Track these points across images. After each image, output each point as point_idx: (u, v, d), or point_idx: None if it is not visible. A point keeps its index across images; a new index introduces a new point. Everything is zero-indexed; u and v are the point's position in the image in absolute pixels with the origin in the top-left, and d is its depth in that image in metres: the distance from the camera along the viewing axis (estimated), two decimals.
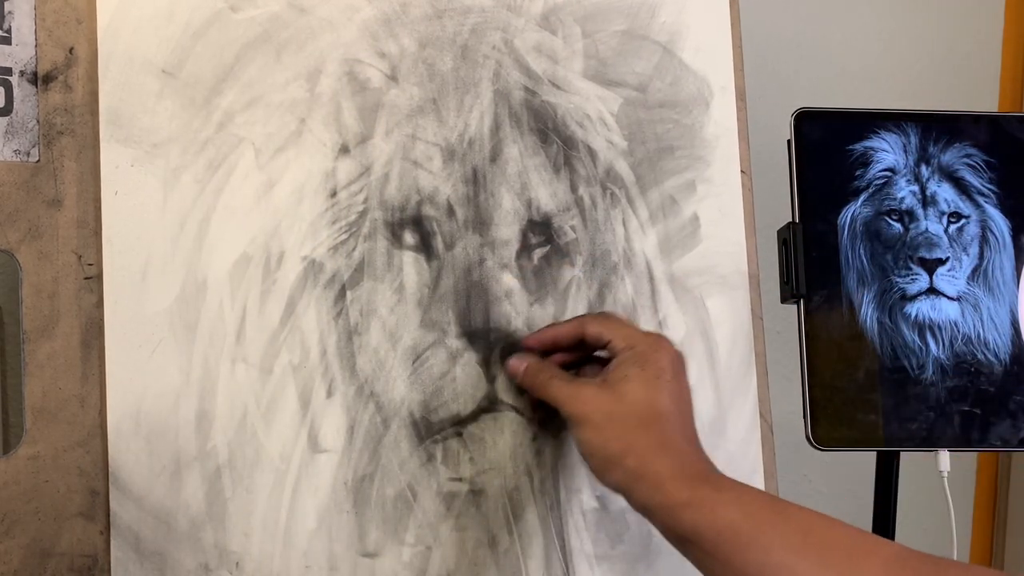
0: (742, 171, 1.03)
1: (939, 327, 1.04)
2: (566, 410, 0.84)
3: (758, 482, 1.00)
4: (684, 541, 0.76)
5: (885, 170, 1.05)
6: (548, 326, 0.94)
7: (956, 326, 1.04)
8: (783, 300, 1.05)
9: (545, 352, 0.92)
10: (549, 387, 0.87)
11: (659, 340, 0.86)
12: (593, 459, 0.82)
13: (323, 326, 0.90)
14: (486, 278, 0.94)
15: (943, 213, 1.05)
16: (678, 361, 0.85)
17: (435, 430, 0.92)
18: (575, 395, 0.84)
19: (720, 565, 0.73)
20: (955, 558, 1.06)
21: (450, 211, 0.94)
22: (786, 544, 0.72)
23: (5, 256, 0.84)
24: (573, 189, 0.98)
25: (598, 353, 0.91)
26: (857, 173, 1.05)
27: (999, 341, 1.04)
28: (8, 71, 0.84)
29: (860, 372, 1.03)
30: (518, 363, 0.91)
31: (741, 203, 1.03)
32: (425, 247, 0.93)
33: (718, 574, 0.74)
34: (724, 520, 0.73)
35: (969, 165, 1.06)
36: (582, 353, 0.92)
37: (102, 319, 0.85)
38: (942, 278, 1.04)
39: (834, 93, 1.43)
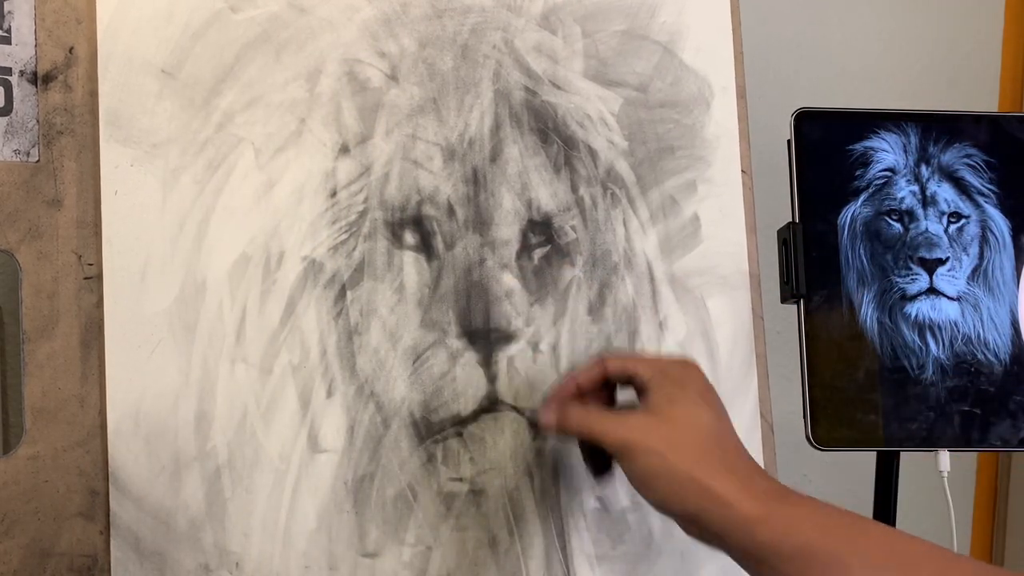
0: (743, 171, 1.03)
1: (939, 327, 1.04)
2: (616, 441, 0.79)
3: None
4: (759, 561, 0.73)
5: (885, 170, 1.05)
6: (566, 375, 0.90)
7: (956, 326, 1.04)
8: (783, 300, 1.05)
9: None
10: (590, 423, 0.82)
11: (686, 361, 0.85)
12: (657, 488, 0.77)
13: (323, 326, 0.90)
14: (486, 278, 0.94)
15: (943, 213, 1.05)
16: (709, 383, 0.83)
17: (435, 430, 0.92)
18: (622, 425, 0.79)
19: None
20: None
21: (450, 211, 0.94)
22: (867, 563, 0.69)
23: (5, 256, 0.84)
24: (574, 189, 0.98)
25: (620, 394, 0.89)
26: (857, 173, 1.05)
27: (999, 341, 1.04)
28: (8, 71, 0.84)
29: (860, 372, 1.03)
30: (547, 414, 0.86)
31: (742, 203, 1.03)
32: (425, 247, 0.93)
33: None
34: (802, 537, 0.71)
35: (969, 165, 1.06)
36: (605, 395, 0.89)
37: (102, 319, 0.85)
38: (942, 278, 1.04)
39: (834, 93, 1.42)
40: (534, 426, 0.93)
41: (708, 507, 0.74)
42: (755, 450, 1.01)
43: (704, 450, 0.76)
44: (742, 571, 0.97)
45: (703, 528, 0.76)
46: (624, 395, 0.88)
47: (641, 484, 0.78)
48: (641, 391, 0.83)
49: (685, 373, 0.82)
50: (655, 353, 0.91)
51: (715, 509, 0.74)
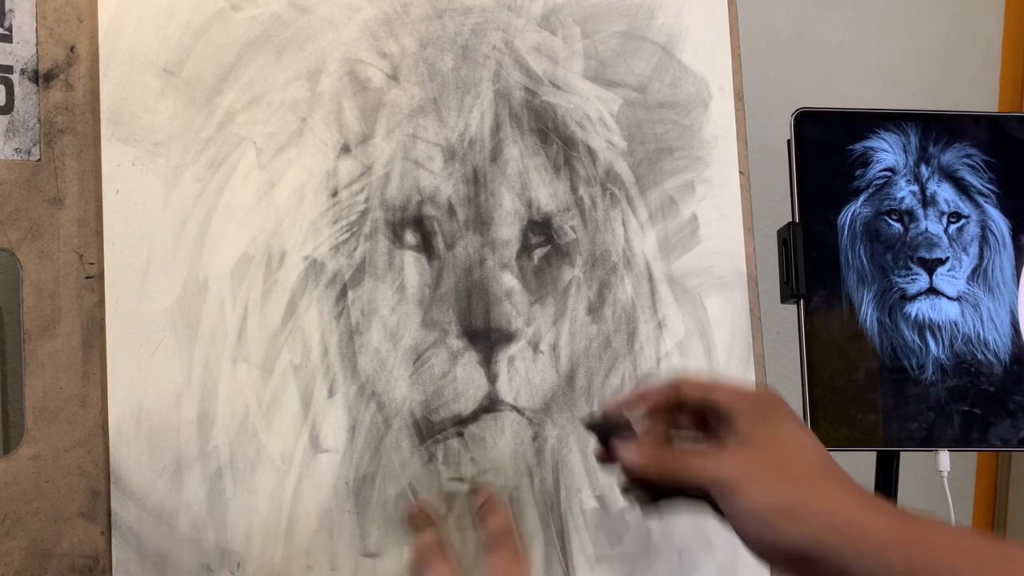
0: (740, 172, 1.03)
1: (939, 327, 1.04)
2: (716, 477, 0.71)
3: None
4: None
5: (885, 170, 1.05)
6: (633, 392, 0.82)
7: (956, 326, 1.04)
8: (783, 300, 1.05)
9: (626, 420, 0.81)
10: (684, 463, 0.74)
11: (771, 392, 0.77)
12: (766, 519, 0.69)
13: (324, 326, 0.90)
14: (487, 278, 0.94)
15: (943, 213, 1.05)
16: (792, 409, 0.76)
17: (436, 430, 0.92)
18: (721, 461, 0.72)
19: None
20: None
21: (451, 211, 0.94)
22: None
23: (6, 255, 0.83)
24: (573, 189, 0.98)
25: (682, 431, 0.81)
26: (857, 173, 1.05)
27: (999, 341, 1.04)
28: (9, 69, 0.84)
29: (860, 372, 1.03)
30: (628, 449, 0.78)
31: (739, 204, 1.03)
32: (426, 247, 0.93)
33: None
34: (943, 561, 0.64)
35: (969, 165, 1.06)
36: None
37: (103, 318, 0.85)
38: (942, 278, 1.04)
39: (834, 93, 1.43)
40: (601, 439, 0.82)
41: (828, 533, 0.67)
42: None
43: (816, 475, 0.70)
44: (738, 568, 0.98)
45: (825, 561, 0.67)
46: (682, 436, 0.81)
47: (747, 521, 0.70)
48: (723, 422, 0.75)
49: (772, 400, 0.76)
50: (731, 383, 0.81)
51: (836, 534, 0.66)
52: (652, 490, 0.78)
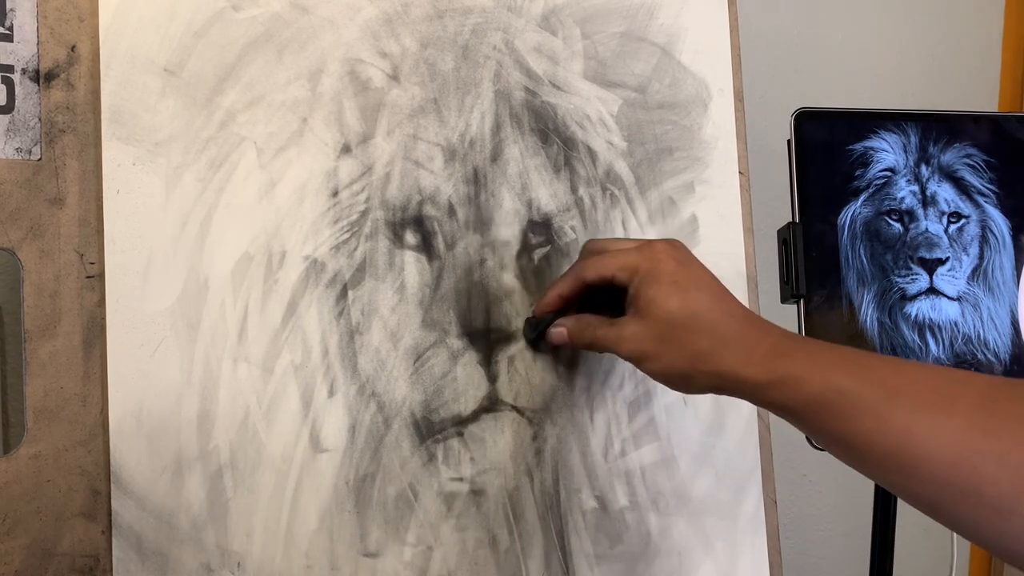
0: (740, 172, 1.04)
1: (939, 327, 1.04)
2: (621, 354, 0.85)
3: (756, 481, 1.00)
4: (785, 416, 0.77)
5: (885, 170, 1.05)
6: (549, 288, 0.93)
7: (956, 326, 1.04)
8: (783, 300, 1.05)
9: (558, 311, 0.93)
10: (597, 339, 0.88)
11: (653, 249, 0.86)
12: (670, 383, 0.84)
13: (325, 326, 0.90)
14: (487, 278, 0.95)
15: (943, 213, 1.05)
16: (678, 251, 0.86)
17: (436, 430, 0.92)
18: (621, 337, 0.85)
19: (817, 433, 0.76)
20: (955, 558, 1.06)
21: (451, 211, 0.94)
22: (873, 407, 0.71)
23: (6, 255, 0.83)
24: (573, 190, 0.98)
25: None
26: (857, 173, 1.05)
27: (999, 341, 1.05)
28: (10, 69, 0.84)
29: None
30: (559, 331, 0.92)
31: (739, 204, 1.03)
32: (426, 247, 0.93)
33: (819, 440, 0.77)
34: (808, 393, 0.74)
35: (969, 165, 1.07)
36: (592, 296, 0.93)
37: (104, 318, 0.85)
38: (942, 278, 1.04)
39: (834, 93, 1.43)
40: (530, 338, 0.96)
41: (720, 385, 0.80)
42: (752, 449, 1.01)
43: (695, 336, 0.81)
44: (738, 569, 0.98)
45: (729, 395, 0.81)
46: None
47: (659, 381, 0.85)
48: (623, 293, 0.87)
49: (655, 263, 0.84)
50: (620, 240, 0.92)
51: (727, 385, 0.79)
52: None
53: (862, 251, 1.04)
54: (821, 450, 1.01)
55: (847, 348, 0.77)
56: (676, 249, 0.86)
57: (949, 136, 1.07)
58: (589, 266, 0.89)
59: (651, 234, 1.00)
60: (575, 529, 0.95)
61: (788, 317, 1.06)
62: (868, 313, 1.03)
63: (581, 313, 0.92)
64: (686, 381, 0.82)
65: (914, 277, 1.04)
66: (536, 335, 0.95)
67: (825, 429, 0.74)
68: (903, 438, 0.69)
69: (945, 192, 1.06)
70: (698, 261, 0.86)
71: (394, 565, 0.90)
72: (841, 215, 1.04)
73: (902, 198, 1.05)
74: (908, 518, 1.11)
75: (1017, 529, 0.65)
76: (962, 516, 0.68)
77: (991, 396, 0.68)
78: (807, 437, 1.00)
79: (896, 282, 1.04)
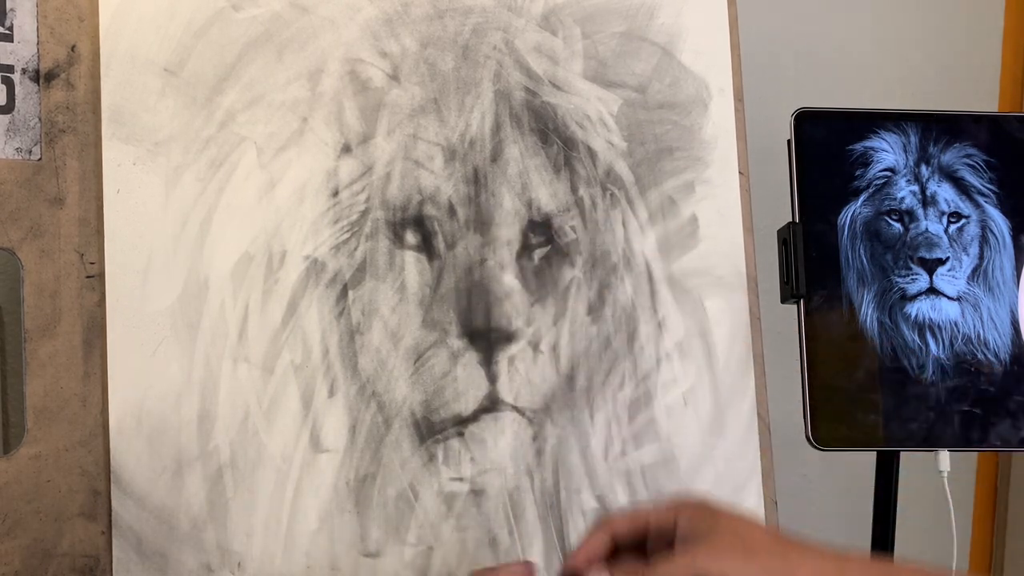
0: (740, 172, 1.03)
1: (939, 327, 1.04)
2: (700, 572, 0.72)
3: (755, 481, 1.00)
4: None
5: (885, 170, 1.05)
6: (567, 559, 0.80)
7: (956, 326, 1.04)
8: (783, 300, 1.05)
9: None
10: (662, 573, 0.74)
11: (690, 496, 0.82)
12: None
13: (325, 326, 0.90)
14: (487, 278, 0.94)
15: (943, 213, 1.05)
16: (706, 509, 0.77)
17: (436, 430, 0.92)
18: (695, 558, 0.72)
19: None
20: (955, 558, 1.06)
21: (451, 211, 0.94)
22: None
23: (6, 254, 0.83)
24: (573, 190, 0.98)
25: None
26: (857, 173, 1.05)
27: (999, 341, 1.04)
28: (10, 69, 0.84)
29: (860, 372, 1.03)
30: None
31: (739, 204, 1.03)
32: (426, 247, 0.93)
33: None
34: None
35: (969, 165, 1.06)
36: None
37: (104, 318, 0.85)
38: (942, 278, 1.04)
39: (834, 93, 1.43)
40: None
41: None
42: (753, 450, 1.01)
43: (785, 545, 0.73)
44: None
45: None
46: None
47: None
48: (669, 535, 0.76)
49: (702, 500, 0.77)
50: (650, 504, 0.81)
51: None
52: None
53: (862, 251, 1.04)
54: (823, 451, 1.01)
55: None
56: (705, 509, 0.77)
57: (949, 136, 1.07)
58: (619, 520, 0.78)
59: (650, 233, 1.00)
60: (575, 529, 0.95)
61: (788, 317, 1.06)
62: (868, 313, 1.03)
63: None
64: None
65: (914, 277, 1.04)
66: None
67: None
68: None
69: (945, 192, 1.06)
70: (727, 511, 0.77)
71: (394, 565, 0.90)
72: (841, 215, 1.04)
73: (902, 198, 1.05)
74: (908, 519, 1.11)
75: None
76: None
77: None
78: (807, 437, 1.01)
79: (896, 282, 1.04)
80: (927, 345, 1.03)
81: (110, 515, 0.84)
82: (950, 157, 1.06)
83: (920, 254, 1.04)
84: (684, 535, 0.74)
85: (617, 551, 0.78)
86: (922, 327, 1.04)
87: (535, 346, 0.95)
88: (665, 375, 0.97)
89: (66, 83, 0.86)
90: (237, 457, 0.87)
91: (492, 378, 0.94)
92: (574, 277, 0.97)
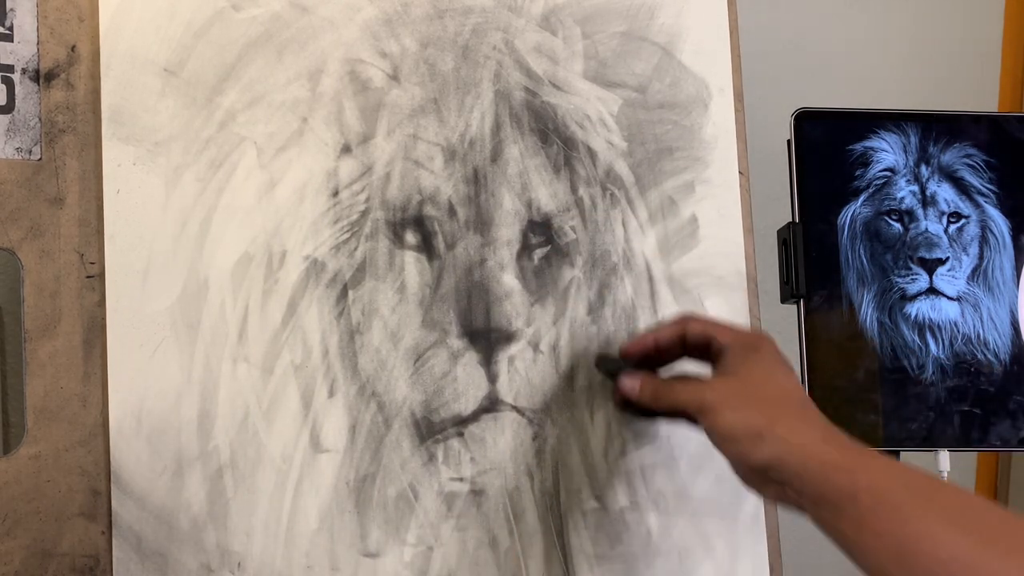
0: (740, 172, 1.03)
1: (939, 327, 1.04)
2: (699, 401, 0.83)
3: None
4: (837, 507, 0.74)
5: (885, 170, 1.05)
6: (647, 331, 0.94)
7: (956, 326, 1.04)
8: (783, 300, 1.05)
9: (642, 358, 0.93)
10: (674, 393, 0.86)
11: (761, 333, 0.89)
12: (737, 439, 0.80)
13: (325, 326, 0.90)
14: (487, 278, 0.94)
15: (943, 213, 1.05)
16: (781, 351, 0.86)
17: (436, 430, 0.92)
18: (702, 389, 0.84)
19: (872, 535, 0.72)
20: None
21: (451, 211, 0.94)
22: (945, 520, 0.70)
23: (6, 255, 0.83)
24: (573, 190, 0.98)
25: (686, 367, 0.92)
26: (857, 173, 1.05)
27: (999, 341, 1.04)
28: (10, 68, 0.84)
29: (860, 372, 1.03)
30: (632, 383, 0.90)
31: (739, 204, 1.03)
32: (426, 247, 0.93)
33: (866, 543, 0.72)
34: (881, 486, 0.72)
35: (969, 165, 1.06)
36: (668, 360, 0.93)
37: (104, 318, 0.85)
38: (942, 278, 1.04)
39: (834, 93, 1.43)
40: (611, 377, 0.94)
41: (787, 454, 0.77)
42: None
43: (781, 406, 0.80)
44: (738, 569, 0.98)
45: (784, 473, 0.77)
46: (688, 367, 0.92)
47: (722, 439, 0.81)
48: (717, 355, 0.87)
49: (760, 341, 0.86)
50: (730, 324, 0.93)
51: (794, 456, 0.76)
52: (650, 414, 0.92)
53: (862, 251, 1.04)
54: None
55: (920, 468, 0.76)
56: (779, 348, 0.86)
57: (949, 136, 1.07)
58: (696, 321, 0.90)
59: (650, 233, 1.00)
60: (575, 529, 0.95)
61: (788, 317, 1.06)
62: (868, 313, 1.03)
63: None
64: (755, 441, 0.78)
65: (914, 277, 1.04)
66: (609, 373, 0.95)
67: (885, 529, 0.71)
68: (971, 558, 0.68)
69: (945, 192, 1.06)
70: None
71: (394, 565, 0.90)
72: (841, 215, 1.04)
73: (902, 198, 1.05)
74: None
75: None
76: None
77: None
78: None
79: (896, 282, 1.04)
80: (927, 345, 1.03)
81: (110, 515, 0.84)
82: (950, 157, 1.06)
83: (920, 254, 1.04)
84: (725, 362, 0.85)
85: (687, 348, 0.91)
86: (922, 327, 1.04)
87: (535, 346, 0.95)
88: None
89: (66, 83, 0.86)
90: (237, 457, 0.87)
91: (492, 378, 0.94)
92: (574, 277, 0.97)
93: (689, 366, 0.92)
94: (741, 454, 0.80)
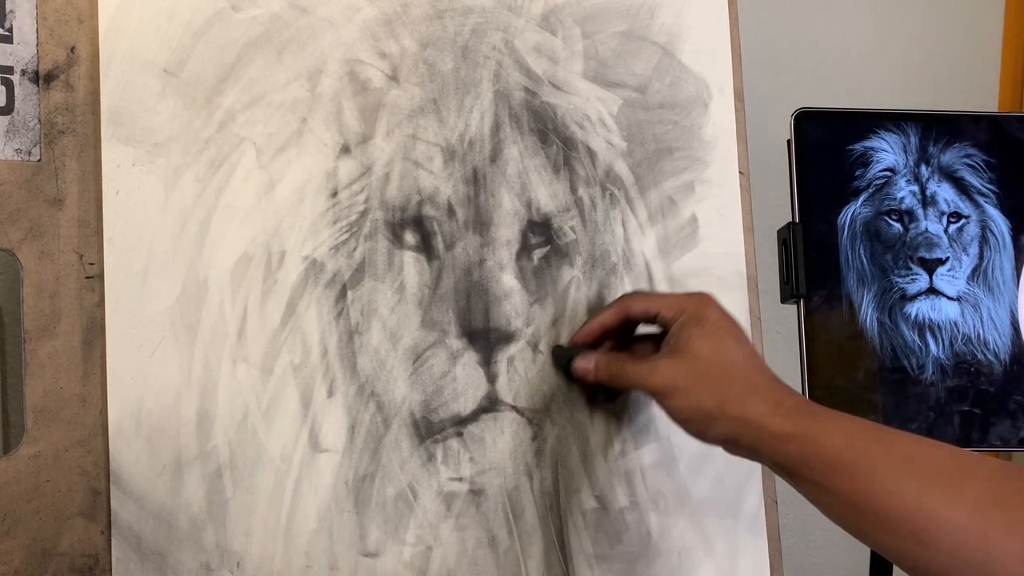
0: (740, 172, 1.03)
1: (939, 327, 1.04)
2: (649, 387, 0.87)
3: (755, 481, 1.00)
4: (793, 474, 0.79)
5: (885, 170, 1.05)
6: (591, 318, 0.95)
7: (956, 326, 1.04)
8: (783, 300, 1.05)
9: (594, 343, 0.94)
10: (626, 373, 0.89)
11: (703, 297, 0.89)
12: (692, 421, 0.85)
13: (324, 326, 0.90)
14: (486, 278, 0.95)
15: (943, 213, 1.05)
16: (726, 312, 0.88)
17: (435, 430, 0.92)
18: (652, 371, 0.86)
19: (828, 494, 0.76)
20: None
21: (450, 211, 0.94)
22: (890, 471, 0.73)
23: (6, 255, 0.83)
24: (573, 190, 0.98)
25: (645, 329, 0.94)
26: (857, 173, 1.05)
27: (999, 341, 1.04)
28: (10, 70, 0.84)
29: (860, 372, 1.03)
30: (585, 363, 0.93)
31: (739, 204, 1.03)
32: (426, 247, 0.93)
33: (826, 502, 0.77)
34: (829, 450, 0.76)
35: (969, 165, 1.06)
36: (625, 336, 0.95)
37: (103, 318, 0.85)
38: (942, 278, 1.04)
39: (834, 93, 1.43)
40: (562, 365, 0.96)
41: (741, 432, 0.81)
42: None
43: (729, 381, 0.83)
44: (738, 569, 0.98)
45: (741, 447, 0.83)
46: (644, 329, 0.94)
47: (679, 421, 0.86)
48: (664, 330, 0.89)
49: (701, 308, 0.87)
50: (671, 292, 0.98)
51: (747, 432, 0.81)
52: (609, 392, 0.96)
53: (862, 251, 1.04)
54: None
55: (865, 420, 0.80)
56: (726, 311, 0.88)
57: (949, 136, 1.07)
58: (636, 300, 0.92)
59: (650, 233, 1.00)
60: (575, 529, 0.95)
61: (788, 317, 1.06)
62: (868, 313, 1.03)
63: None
64: (707, 423, 0.83)
65: (914, 277, 1.04)
66: (564, 364, 0.96)
67: (839, 488, 0.76)
68: (917, 503, 0.71)
69: (945, 192, 1.06)
70: (743, 330, 0.89)
71: (393, 565, 0.90)
72: (841, 215, 1.04)
73: (902, 198, 1.05)
74: None
75: None
76: None
77: (1002, 473, 0.72)
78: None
79: (896, 282, 1.04)
80: (927, 345, 1.03)
81: (109, 515, 0.84)
82: (950, 157, 1.06)
83: (920, 254, 1.04)
84: (671, 339, 0.88)
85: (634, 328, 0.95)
86: (922, 327, 1.04)
87: (534, 346, 0.95)
88: None
89: (65, 84, 0.86)
90: (236, 457, 0.87)
91: (491, 378, 0.94)
92: (573, 277, 0.97)
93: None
94: (697, 434, 0.85)
